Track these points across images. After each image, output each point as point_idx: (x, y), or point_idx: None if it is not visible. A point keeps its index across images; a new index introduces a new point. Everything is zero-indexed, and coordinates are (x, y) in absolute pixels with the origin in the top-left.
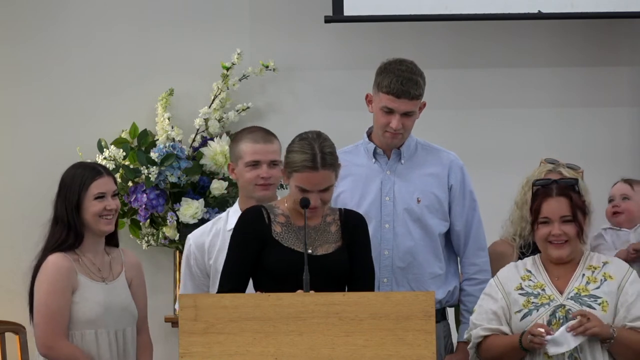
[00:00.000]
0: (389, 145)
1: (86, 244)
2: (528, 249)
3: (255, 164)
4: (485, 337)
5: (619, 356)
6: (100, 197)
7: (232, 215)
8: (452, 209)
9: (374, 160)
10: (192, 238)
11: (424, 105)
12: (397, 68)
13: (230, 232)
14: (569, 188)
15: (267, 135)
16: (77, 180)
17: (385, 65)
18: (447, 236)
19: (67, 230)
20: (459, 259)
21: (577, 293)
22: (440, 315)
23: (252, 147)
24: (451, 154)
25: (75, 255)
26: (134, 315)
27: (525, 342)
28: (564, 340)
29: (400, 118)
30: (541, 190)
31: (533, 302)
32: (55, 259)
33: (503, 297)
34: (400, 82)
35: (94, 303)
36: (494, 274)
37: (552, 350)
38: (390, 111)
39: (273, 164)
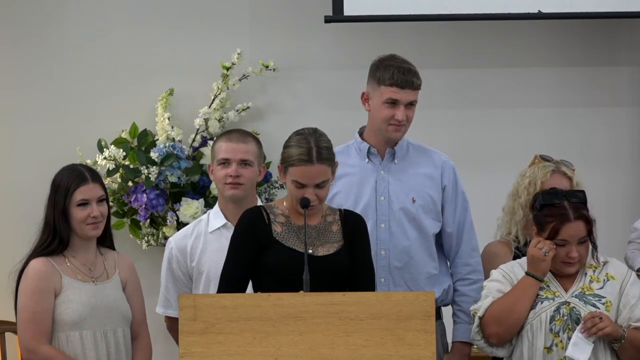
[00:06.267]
0: (392, 139)
1: (75, 245)
2: (525, 245)
3: (225, 162)
4: (487, 308)
5: (625, 356)
6: (84, 204)
7: (213, 216)
8: (445, 209)
9: (367, 160)
10: (173, 241)
11: None
12: (394, 61)
13: (212, 234)
14: (582, 207)
15: (243, 135)
16: (63, 186)
17: (380, 61)
18: (438, 236)
19: (52, 236)
20: (449, 259)
21: (581, 292)
22: (436, 314)
23: (224, 145)
24: (443, 155)
25: (61, 257)
26: (125, 316)
27: (534, 260)
28: (578, 340)
29: (404, 109)
30: (556, 211)
31: (538, 295)
32: (36, 264)
33: (510, 284)
34: (402, 72)
35: (78, 304)
36: (485, 274)
37: (570, 350)
38: (394, 103)
39: (244, 163)
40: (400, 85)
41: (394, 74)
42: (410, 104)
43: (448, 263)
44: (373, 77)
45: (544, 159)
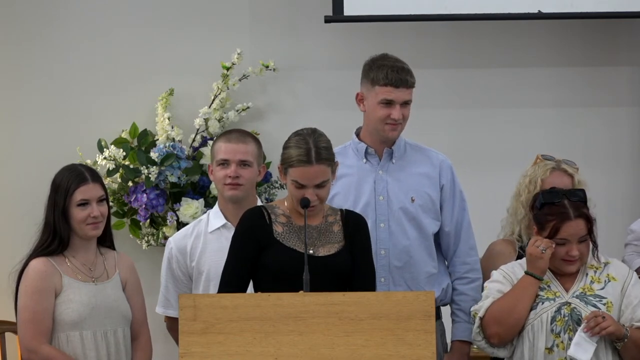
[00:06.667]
0: (389, 139)
1: (75, 245)
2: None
3: (224, 163)
4: (488, 308)
5: (627, 355)
6: (84, 204)
7: (213, 216)
8: (443, 208)
9: (364, 160)
10: (173, 241)
11: None
12: (388, 61)
13: (212, 234)
14: (582, 206)
15: (242, 136)
16: (63, 186)
17: (372, 61)
18: (435, 236)
19: (52, 236)
20: (447, 258)
21: (582, 292)
22: (435, 314)
23: (224, 146)
24: (440, 154)
25: (61, 257)
26: (125, 316)
27: (532, 258)
28: (581, 340)
29: (400, 108)
30: (556, 210)
31: (539, 296)
32: (36, 264)
33: (511, 284)
34: (396, 71)
35: (78, 304)
36: (487, 272)
37: (573, 350)
38: (389, 103)
39: (243, 163)
40: (394, 85)
41: (388, 73)
42: (406, 103)
43: (446, 262)
44: (367, 78)
45: (546, 158)
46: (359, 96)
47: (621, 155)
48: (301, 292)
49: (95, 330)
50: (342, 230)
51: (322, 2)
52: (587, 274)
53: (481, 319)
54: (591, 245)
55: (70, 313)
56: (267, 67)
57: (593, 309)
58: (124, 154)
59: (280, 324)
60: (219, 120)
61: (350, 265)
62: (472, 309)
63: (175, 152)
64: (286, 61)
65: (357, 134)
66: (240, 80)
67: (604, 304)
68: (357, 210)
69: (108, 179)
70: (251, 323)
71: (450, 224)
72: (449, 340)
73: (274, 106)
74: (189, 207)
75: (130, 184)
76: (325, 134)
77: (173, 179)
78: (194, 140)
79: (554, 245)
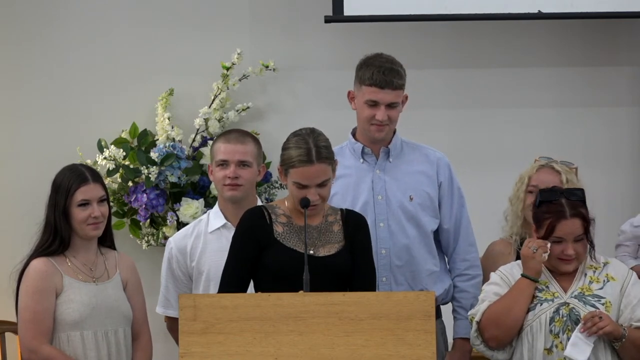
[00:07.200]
0: (375, 139)
1: (76, 245)
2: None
3: (223, 164)
4: (484, 311)
5: (626, 355)
6: (85, 204)
7: (213, 217)
8: (442, 206)
9: (361, 160)
10: (173, 241)
11: (406, 98)
12: (377, 60)
13: (212, 234)
14: (579, 205)
15: (242, 136)
16: (63, 186)
17: (364, 60)
18: (435, 233)
19: (53, 236)
20: (447, 255)
21: (581, 292)
22: (436, 313)
23: (223, 146)
24: (437, 151)
25: (62, 257)
26: (126, 316)
27: (525, 259)
28: (577, 340)
29: (385, 109)
30: (553, 208)
31: (537, 297)
32: (37, 264)
33: (508, 286)
34: (382, 72)
35: (79, 304)
36: (487, 272)
37: (569, 351)
38: (374, 104)
39: (242, 164)
40: (379, 86)
41: (374, 73)
42: (392, 104)
43: (446, 259)
44: (356, 76)
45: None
46: (350, 94)
47: (621, 155)
48: (301, 292)
49: (95, 330)
50: (342, 230)
51: (322, 2)
52: (585, 274)
53: (478, 322)
54: (588, 246)
55: (71, 313)
56: (267, 67)
57: (592, 309)
58: (124, 154)
59: (280, 324)
60: (219, 120)
61: (350, 265)
62: (469, 313)
63: (175, 152)
64: (286, 61)
65: (353, 134)
66: (240, 80)
67: (603, 304)
68: (356, 210)
69: (108, 179)
70: (251, 323)
71: (449, 221)
72: (450, 338)
73: (274, 106)
74: (189, 207)
75: (130, 184)
76: (324, 134)
77: (173, 179)
78: (194, 140)
79: (549, 246)
